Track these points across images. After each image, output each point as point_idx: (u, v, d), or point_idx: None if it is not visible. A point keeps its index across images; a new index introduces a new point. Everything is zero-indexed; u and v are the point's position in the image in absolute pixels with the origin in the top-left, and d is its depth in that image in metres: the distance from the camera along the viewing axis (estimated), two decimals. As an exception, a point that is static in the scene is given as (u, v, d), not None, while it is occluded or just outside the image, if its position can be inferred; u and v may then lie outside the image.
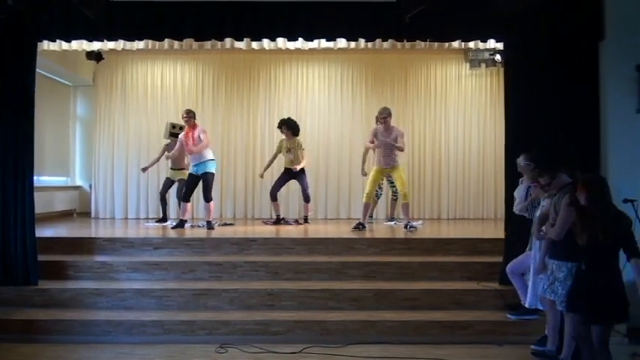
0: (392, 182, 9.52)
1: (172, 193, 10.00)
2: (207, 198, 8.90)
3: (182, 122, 9.23)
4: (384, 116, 8.57)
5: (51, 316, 5.93)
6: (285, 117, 9.94)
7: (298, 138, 9.70)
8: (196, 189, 9.10)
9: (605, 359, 4.29)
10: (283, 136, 9.72)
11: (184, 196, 9.02)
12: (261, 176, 10.10)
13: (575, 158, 5.21)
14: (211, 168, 8.93)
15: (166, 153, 9.68)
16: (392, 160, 8.63)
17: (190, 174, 9.02)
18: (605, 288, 4.24)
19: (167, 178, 9.93)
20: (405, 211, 8.78)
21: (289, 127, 9.62)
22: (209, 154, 8.92)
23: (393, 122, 8.78)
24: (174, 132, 9.65)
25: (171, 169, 9.81)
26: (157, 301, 6.21)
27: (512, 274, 5.69)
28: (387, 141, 8.46)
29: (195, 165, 8.89)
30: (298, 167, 9.54)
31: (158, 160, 10.01)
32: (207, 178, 8.88)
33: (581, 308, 4.37)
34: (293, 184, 10.08)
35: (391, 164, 8.64)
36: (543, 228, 4.94)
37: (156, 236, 7.89)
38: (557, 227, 4.72)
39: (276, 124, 9.88)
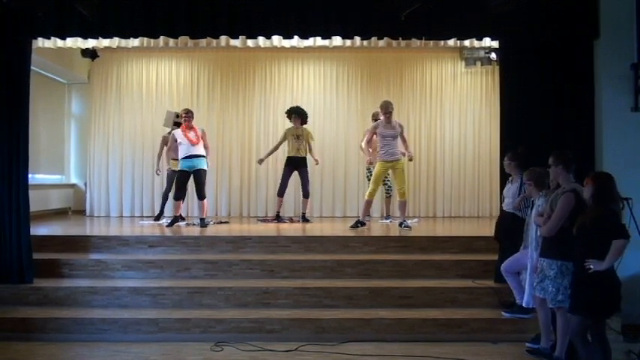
0: (385, 179, 9.50)
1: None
2: (201, 196, 8.85)
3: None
4: (390, 110, 8.54)
5: (46, 314, 5.92)
6: (294, 105, 9.99)
7: (307, 127, 9.69)
8: (190, 187, 9.06)
9: (600, 353, 4.31)
10: (288, 126, 9.75)
11: (176, 195, 8.94)
12: (260, 162, 10.01)
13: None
14: (203, 164, 8.84)
15: (166, 160, 9.67)
16: (395, 153, 8.56)
17: (181, 171, 8.87)
18: (596, 281, 4.26)
19: (171, 171, 9.66)
20: (401, 209, 8.74)
21: (299, 114, 9.65)
22: (202, 150, 8.85)
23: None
24: (177, 121, 9.38)
25: (173, 159, 9.50)
26: (151, 300, 6.20)
27: (507, 273, 5.70)
28: (391, 135, 8.52)
29: (187, 160, 8.76)
30: (317, 158, 9.60)
31: (161, 154, 9.89)
32: (200, 175, 8.80)
33: (578, 304, 4.39)
34: (290, 182, 10.07)
35: (395, 156, 8.55)
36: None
37: (151, 234, 7.88)
38: (551, 223, 4.74)
39: (273, 119, 9.87)
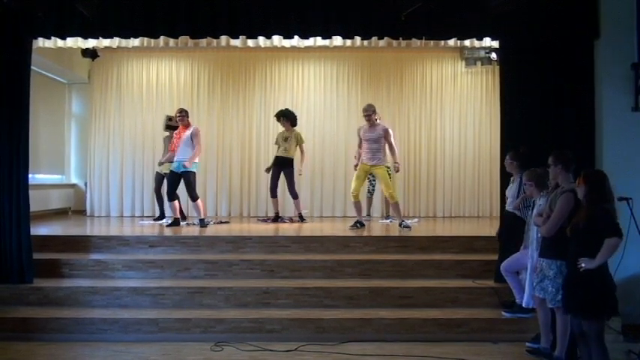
0: (371, 180, 9.50)
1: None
2: (193, 197, 8.82)
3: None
4: (369, 113, 8.54)
5: (46, 314, 5.93)
6: (283, 108, 9.95)
7: (297, 129, 9.69)
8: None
9: (600, 355, 4.30)
10: (281, 129, 9.73)
11: (168, 196, 8.93)
12: (267, 171, 9.87)
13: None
14: (192, 167, 8.81)
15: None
16: (375, 157, 8.54)
17: (171, 171, 8.91)
18: (587, 281, 4.26)
19: (157, 173, 9.89)
20: (395, 211, 8.76)
21: (287, 117, 9.63)
22: (188, 153, 8.76)
23: (389, 120, 8.80)
24: (170, 124, 9.54)
25: (163, 163, 9.62)
26: (152, 299, 6.20)
27: (507, 273, 5.70)
28: (371, 139, 8.47)
29: (176, 162, 8.77)
30: (302, 170, 9.58)
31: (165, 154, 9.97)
32: (188, 177, 8.75)
33: (570, 304, 4.39)
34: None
35: (374, 161, 8.54)
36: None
37: (151, 234, 7.88)
38: (550, 223, 4.74)
39: (273, 119, 9.88)
